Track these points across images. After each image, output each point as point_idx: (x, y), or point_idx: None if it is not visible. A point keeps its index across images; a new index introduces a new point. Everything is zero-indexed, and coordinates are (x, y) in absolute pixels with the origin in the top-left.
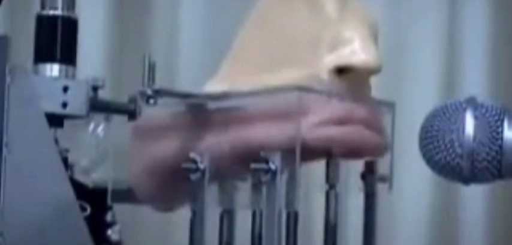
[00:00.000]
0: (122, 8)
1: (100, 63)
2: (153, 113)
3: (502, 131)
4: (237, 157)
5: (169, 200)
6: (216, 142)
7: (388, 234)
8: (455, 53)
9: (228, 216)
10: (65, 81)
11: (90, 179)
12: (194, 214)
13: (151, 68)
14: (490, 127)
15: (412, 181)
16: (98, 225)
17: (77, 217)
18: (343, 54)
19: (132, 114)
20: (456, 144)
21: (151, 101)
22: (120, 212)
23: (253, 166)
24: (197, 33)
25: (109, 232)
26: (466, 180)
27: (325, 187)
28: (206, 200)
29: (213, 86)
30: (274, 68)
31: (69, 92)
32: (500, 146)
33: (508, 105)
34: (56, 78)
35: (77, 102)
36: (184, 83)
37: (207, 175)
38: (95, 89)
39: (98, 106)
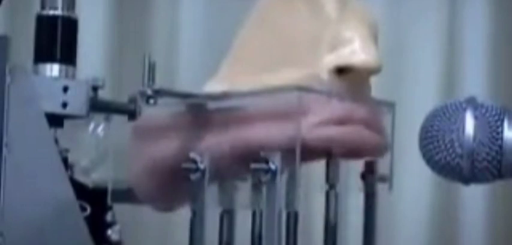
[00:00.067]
0: (121, 8)
1: (100, 63)
2: (153, 113)
3: (502, 131)
4: (237, 157)
5: (169, 200)
6: (216, 142)
7: (388, 234)
8: (455, 53)
9: (228, 216)
10: (65, 81)
11: (90, 179)
12: (194, 214)
13: (151, 68)
14: (490, 127)
15: (412, 181)
16: (98, 225)
17: (77, 217)
18: (343, 54)
19: (132, 114)
20: (456, 144)
21: (151, 101)
22: (120, 212)
23: (253, 166)
24: (197, 33)
25: (109, 232)
26: (466, 180)
27: (325, 187)
28: (206, 200)
29: (213, 86)
30: (274, 68)
31: (69, 92)
32: (500, 146)
33: (508, 105)
34: (56, 78)
35: (77, 102)
36: (184, 83)
37: (207, 175)
38: (95, 89)
39: (98, 106)
